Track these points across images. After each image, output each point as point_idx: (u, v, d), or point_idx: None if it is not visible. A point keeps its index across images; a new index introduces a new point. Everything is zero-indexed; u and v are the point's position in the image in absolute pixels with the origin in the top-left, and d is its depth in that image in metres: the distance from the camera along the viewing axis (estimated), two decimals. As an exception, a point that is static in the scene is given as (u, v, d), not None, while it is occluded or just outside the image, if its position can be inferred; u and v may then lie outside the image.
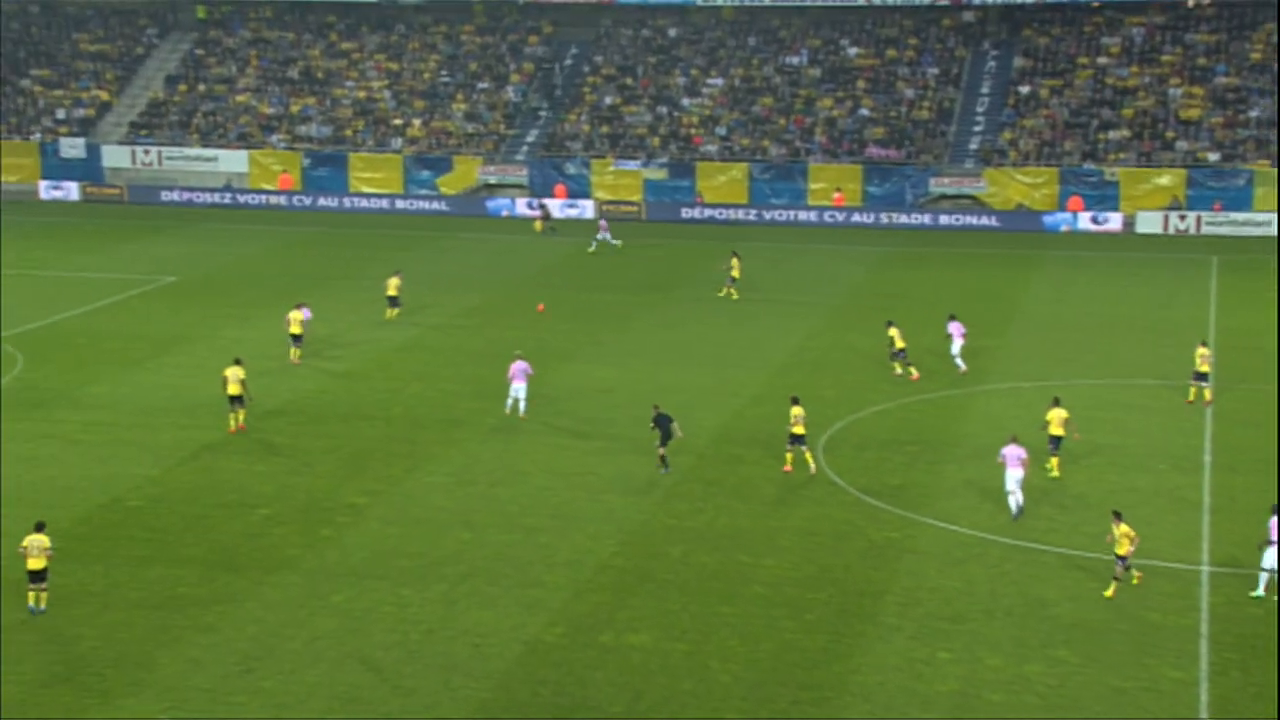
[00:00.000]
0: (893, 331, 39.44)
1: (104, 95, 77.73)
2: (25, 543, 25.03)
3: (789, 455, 32.10)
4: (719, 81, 75.15)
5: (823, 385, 39.19)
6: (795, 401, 32.27)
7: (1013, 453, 29.20)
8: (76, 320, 46.34)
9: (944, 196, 68.06)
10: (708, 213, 68.48)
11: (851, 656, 23.65)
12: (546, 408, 36.92)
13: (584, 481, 31.70)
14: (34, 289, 50.86)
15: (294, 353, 40.90)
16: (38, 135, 75.12)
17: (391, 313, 46.37)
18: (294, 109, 76.20)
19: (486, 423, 35.73)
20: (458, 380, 39.56)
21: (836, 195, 68.64)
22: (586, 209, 69.37)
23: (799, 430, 31.66)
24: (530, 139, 73.92)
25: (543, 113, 74.65)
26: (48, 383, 38.62)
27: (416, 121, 74.80)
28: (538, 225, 64.56)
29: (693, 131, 72.61)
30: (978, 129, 70.60)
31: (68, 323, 45.77)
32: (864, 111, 71.94)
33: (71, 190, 72.31)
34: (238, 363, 35.36)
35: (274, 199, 71.31)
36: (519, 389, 35.47)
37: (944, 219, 66.47)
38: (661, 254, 59.54)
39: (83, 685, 22.40)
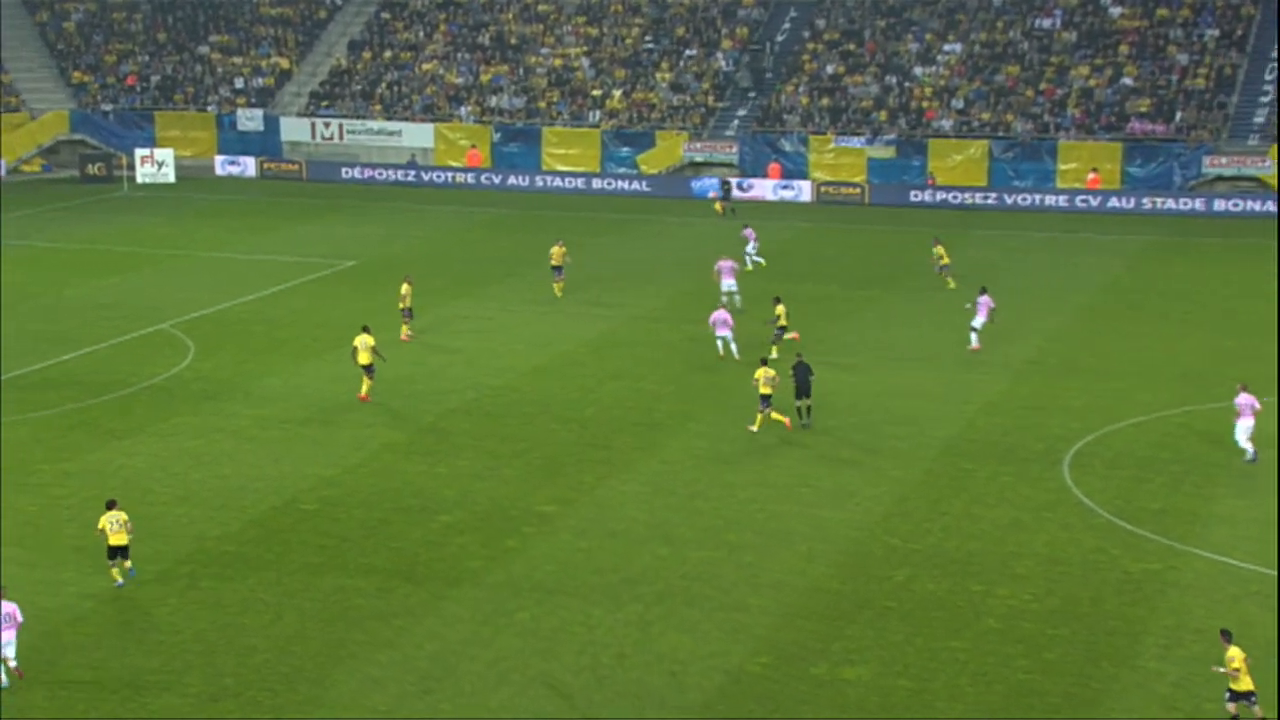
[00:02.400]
0: (779, 309, 41.42)
1: (284, 63, 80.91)
2: (102, 523, 26.79)
3: (759, 416, 35.00)
4: (957, 47, 73.94)
5: (1069, 393, 38.27)
6: (764, 363, 36.06)
7: (1245, 401, 32.43)
8: (250, 306, 48.37)
9: (1220, 178, 65.59)
10: (940, 196, 67.50)
11: (1099, 704, 23.03)
12: (754, 413, 36.92)
13: (796, 494, 31.64)
14: (206, 272, 53.31)
15: (404, 329, 42.90)
16: (214, 106, 78.66)
17: (558, 285, 48.84)
18: (484, 78, 77.98)
19: (689, 427, 35.97)
20: (657, 379, 39.93)
21: (1091, 177, 66.81)
22: (803, 191, 69.17)
23: (766, 390, 34.89)
24: (742, 112, 74.04)
25: (751, 90, 74.61)
26: (219, 374, 40.42)
27: (616, 93, 75.71)
28: (718, 206, 64.43)
29: (925, 104, 71.63)
30: (1265, 100, 67.76)
31: (241, 309, 47.80)
32: (1126, 81, 69.82)
33: (248, 166, 75.49)
34: (366, 330, 37.17)
35: (461, 177, 73.13)
36: (725, 335, 40.47)
37: (1220, 204, 64.08)
38: (886, 242, 58.95)
39: (252, 701, 23.37)
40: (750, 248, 53.82)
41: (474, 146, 74.86)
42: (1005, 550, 28.73)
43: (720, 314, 41.27)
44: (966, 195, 67.30)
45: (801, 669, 24.24)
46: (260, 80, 79.96)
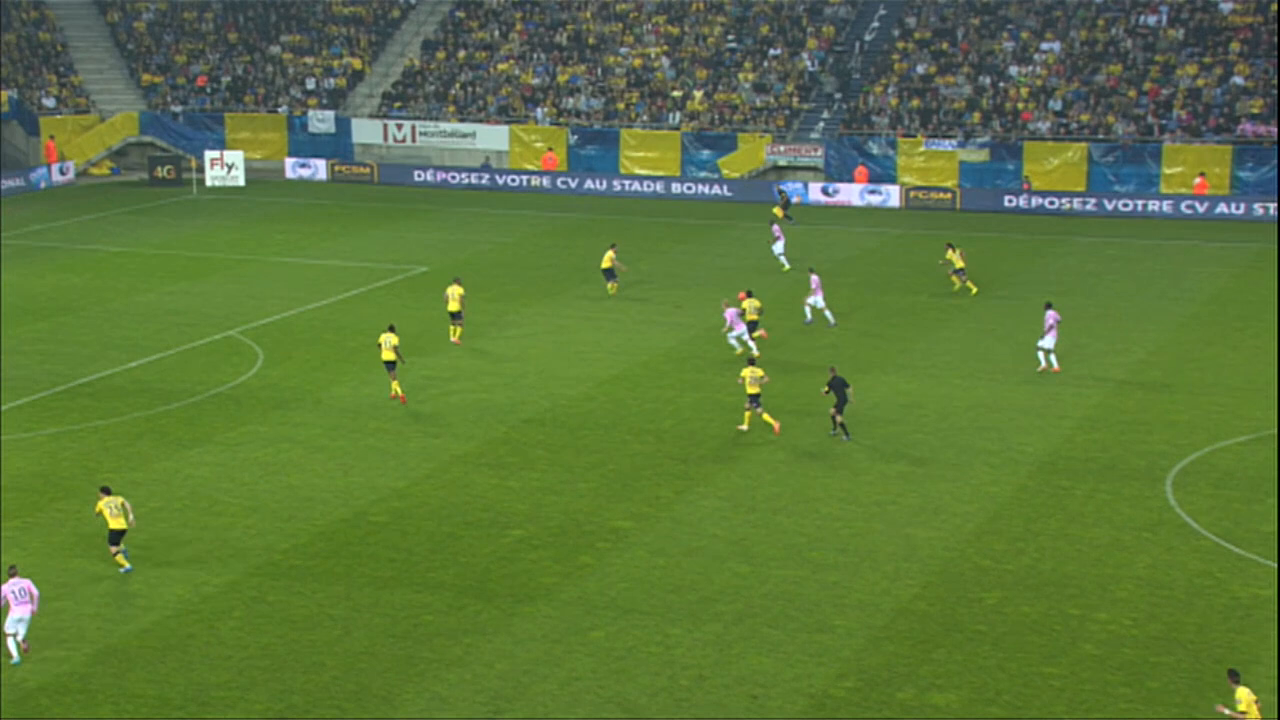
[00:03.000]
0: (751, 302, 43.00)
1: (356, 63, 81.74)
2: (100, 506, 28.21)
3: (747, 415, 35.89)
4: (1055, 46, 73.23)
5: (1173, 408, 37.72)
6: (751, 363, 36.73)
7: None
8: (320, 313, 48.83)
9: (1335, 183, 64.40)
10: (1036, 201, 66.83)
11: (1205, 739, 22.64)
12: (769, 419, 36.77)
13: (883, 511, 31.43)
14: (276, 277, 53.91)
15: (454, 331, 43.76)
16: (285, 108, 79.58)
17: (612, 286, 50.29)
18: (561, 79, 78.32)
19: (769, 440, 35.85)
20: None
21: (1198, 181, 65.84)
22: (891, 196, 68.77)
23: (753, 390, 35.67)
24: (827, 114, 73.81)
25: (836, 93, 74.33)
26: (288, 381, 40.84)
27: (698, 93, 75.74)
28: (777, 212, 64.54)
29: (1021, 106, 70.99)
30: (1386, 100, 66.56)
31: (310, 316, 48.28)
32: (1237, 80, 68.75)
33: (319, 169, 76.29)
34: (391, 330, 38.91)
35: (536, 180, 73.46)
36: (741, 332, 41.42)
37: (1334, 210, 62.89)
38: (978, 249, 58.44)
39: (320, 719, 23.57)
40: (777, 247, 54.67)
41: (550, 149, 75.17)
42: (1104, 572, 28.35)
43: (733, 310, 42.17)
44: (1064, 201, 66.57)
45: (888, 694, 24.05)
46: (332, 81, 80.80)
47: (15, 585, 25.32)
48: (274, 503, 31.92)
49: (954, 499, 32.08)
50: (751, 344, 42.31)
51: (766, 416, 36.09)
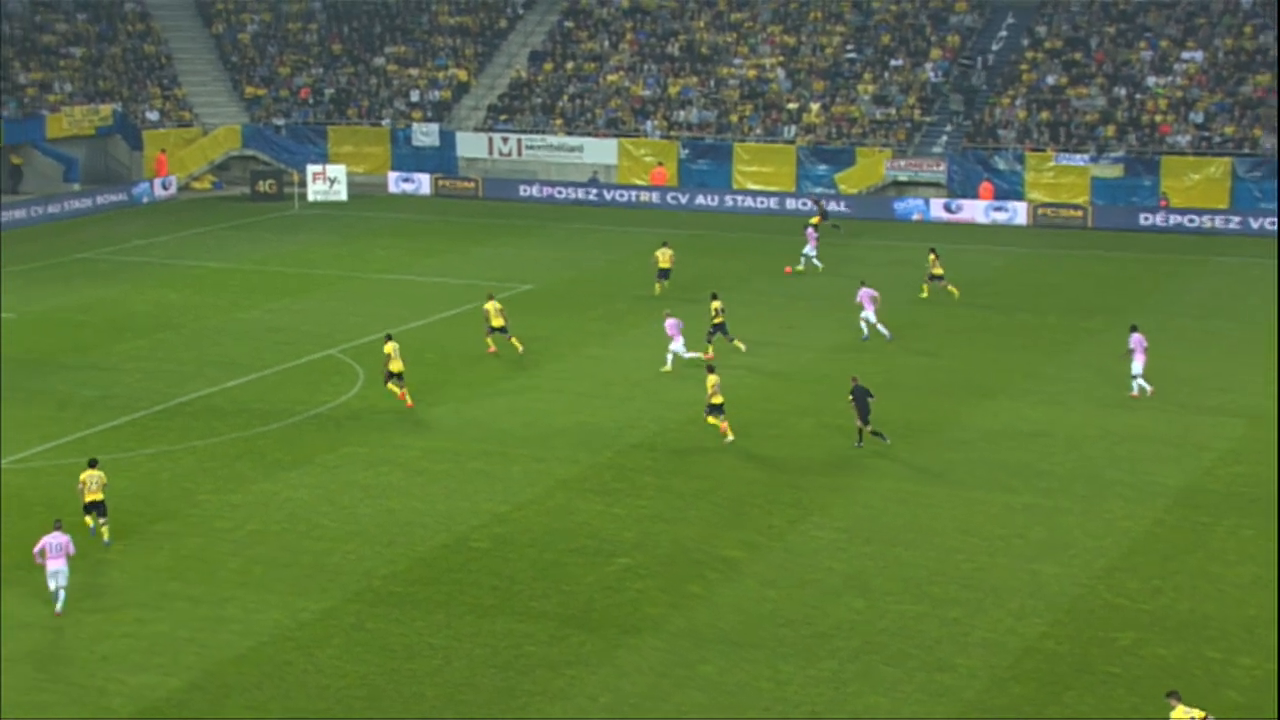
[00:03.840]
0: (715, 304, 45.28)
1: (462, 75, 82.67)
2: (83, 477, 31.23)
3: (723, 426, 37.21)
4: (1197, 55, 72.11)
5: (1324, 441, 36.88)
6: (711, 370, 37.89)
7: None
8: (422, 332, 49.36)
9: None
10: (1174, 219, 65.79)
11: (1356, 794, 22.03)
12: (962, 453, 36.40)
13: (1007, 545, 31.06)
14: (378, 295, 54.59)
15: (489, 342, 45.43)
16: (389, 121, 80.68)
17: (660, 285, 53.03)
18: (672, 90, 78.59)
19: (887, 469, 35.62)
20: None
21: (1349, 198, 64.44)
22: (1018, 213, 68.09)
23: (717, 400, 37.08)
24: (950, 128, 73.29)
25: (960, 107, 73.78)
26: (389, 402, 41.26)
27: (814, 106, 75.61)
28: (814, 221, 64.44)
29: (1159, 118, 69.95)
30: None
31: (412, 334, 48.78)
32: (1391, 90, 67.25)
33: (423, 183, 77.21)
34: (389, 338, 40.70)
35: (645, 195, 73.72)
36: (679, 345, 42.66)
37: None
38: (1111, 269, 57.68)
39: (418, 747, 23.78)
40: (809, 249, 57.20)
41: (660, 163, 75.42)
42: (1247, 614, 27.76)
43: (673, 321, 43.32)
44: (1205, 219, 65.44)
45: (1012, 738, 23.74)
46: (436, 93, 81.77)
47: (53, 539, 28.02)
48: (374, 527, 32.28)
49: (1084, 533, 31.62)
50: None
51: (714, 420, 37.31)
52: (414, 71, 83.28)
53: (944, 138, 72.97)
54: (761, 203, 72.20)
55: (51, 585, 27.95)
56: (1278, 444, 36.59)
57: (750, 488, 34.55)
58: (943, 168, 70.92)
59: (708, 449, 37.23)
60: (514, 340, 45.21)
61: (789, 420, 39.43)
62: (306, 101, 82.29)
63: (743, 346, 45.07)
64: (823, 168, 73.20)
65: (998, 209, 68.54)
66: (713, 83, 78.68)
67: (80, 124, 76.04)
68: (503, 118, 79.65)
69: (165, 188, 75.72)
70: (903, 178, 71.62)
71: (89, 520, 31.31)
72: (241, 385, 42.94)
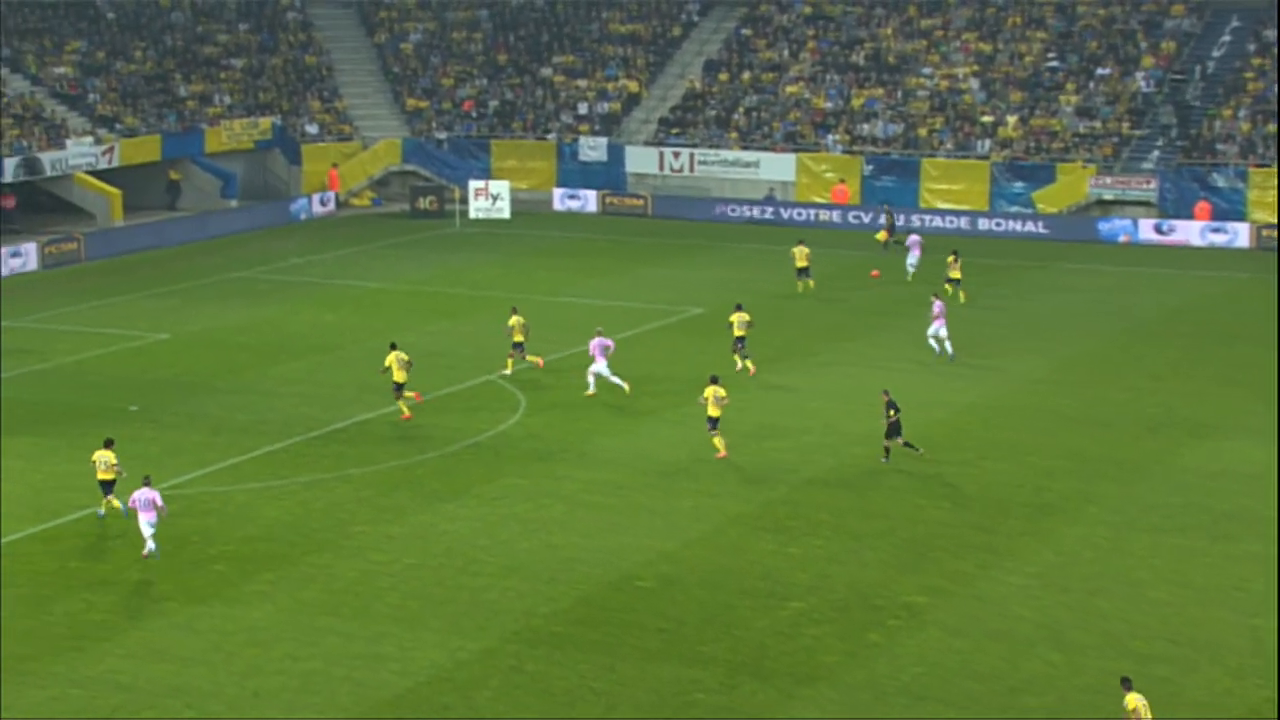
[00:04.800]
0: (734, 317, 46.45)
1: (632, 86, 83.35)
2: (95, 457, 34.76)
3: (715, 440, 38.74)
4: None
5: None
6: (714, 381, 39.03)
7: None
8: (586, 357, 49.72)
9: None
10: None
11: None
12: (1175, 496, 35.64)
13: (1225, 597, 30.34)
14: (541, 317, 55.05)
15: (509, 362, 46.58)
16: (555, 134, 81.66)
17: (801, 284, 56.34)
18: (856, 102, 78.35)
19: (1087, 511, 35.04)
20: (1050, 453, 39.04)
21: None
22: (1239, 235, 66.57)
23: (715, 412, 38.45)
24: (1162, 142, 71.90)
25: (1173, 122, 72.34)
26: (551, 431, 41.73)
27: (1011, 119, 74.78)
28: (881, 236, 65.60)
29: (1394, 129, 67.88)
30: None
31: (576, 360, 49.16)
32: None
33: (589, 200, 77.94)
34: (394, 347, 42.47)
35: (825, 214, 73.57)
36: (599, 367, 43.26)
37: None
38: (1341, 296, 56.02)
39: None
40: (912, 258, 59.60)
41: (842, 180, 75.20)
42: None
43: (599, 341, 44.12)
44: None
45: (1224, 810, 23.16)
46: (605, 105, 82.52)
47: (142, 495, 32.66)
48: (534, 563, 32.63)
49: (1307, 586, 30.76)
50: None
51: (717, 440, 38.74)
52: (582, 82, 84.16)
53: (1155, 153, 71.58)
54: (951, 222, 71.58)
55: (148, 533, 32.62)
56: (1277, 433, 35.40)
57: (934, 528, 34.23)
58: (1154, 185, 69.56)
59: (890, 486, 36.98)
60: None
61: (979, 457, 38.97)
62: (470, 114, 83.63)
63: (751, 369, 46.15)
64: (1019, 185, 72.35)
65: (1215, 230, 67.01)
66: (900, 94, 78.25)
67: (239, 137, 78.31)
68: (674, 131, 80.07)
69: (324, 204, 77.55)
70: (1108, 196, 70.41)
71: (113, 501, 34.61)
72: (399, 411, 43.71)
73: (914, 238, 61.28)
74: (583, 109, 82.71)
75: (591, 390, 44.29)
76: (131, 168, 73.94)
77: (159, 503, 32.65)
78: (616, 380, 44.06)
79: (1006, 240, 69.25)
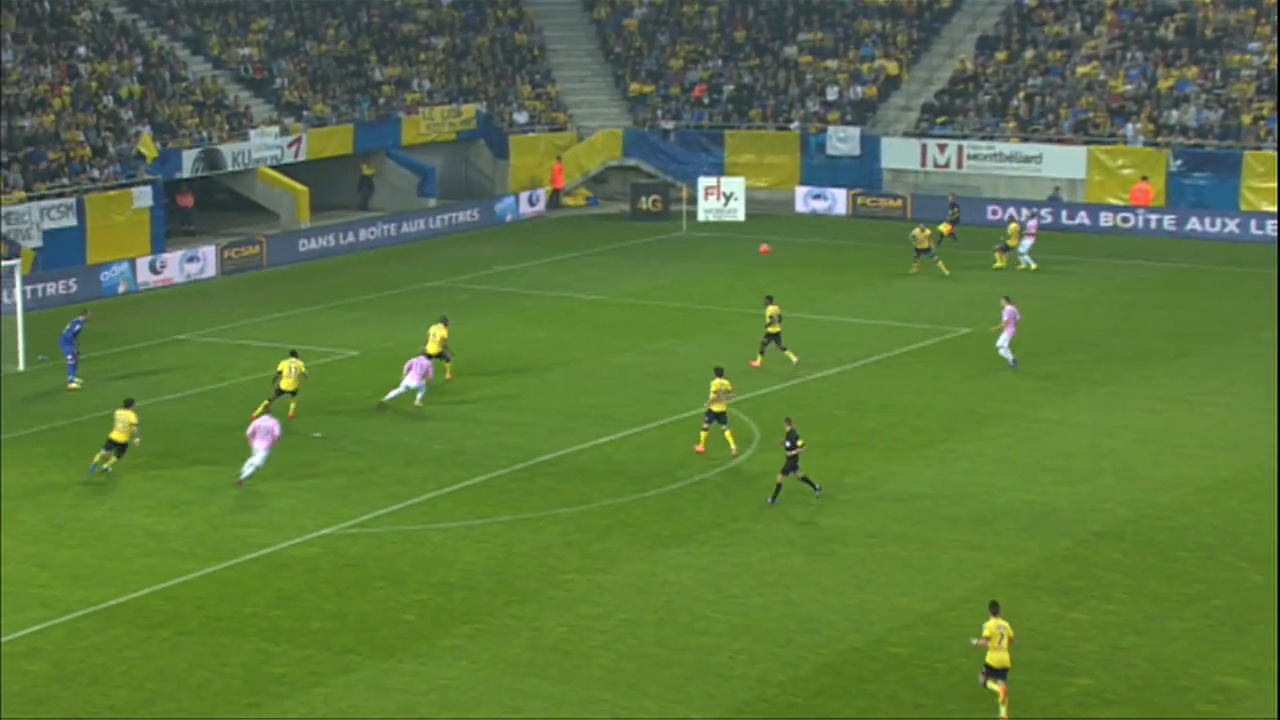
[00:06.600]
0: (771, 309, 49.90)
1: (891, 67, 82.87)
2: (117, 414, 39.91)
3: (703, 434, 41.84)
4: None
5: None
6: (719, 373, 42.15)
7: None
8: (831, 383, 49.56)
9: None
10: None
11: None
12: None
13: None
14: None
15: (448, 367, 49.27)
16: (799, 124, 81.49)
17: (917, 265, 60.30)
18: (1163, 85, 76.81)
19: None
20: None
21: None
22: None
23: (719, 407, 41.61)
24: None
25: None
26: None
27: (1356, 103, 72.56)
28: (945, 228, 67.73)
29: None
30: None
31: (819, 386, 49.01)
32: None
33: (837, 200, 77.63)
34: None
35: (1122, 218, 72.29)
36: (412, 381, 45.94)
37: None
38: None
39: None
40: (1025, 245, 63.64)
41: (1143, 177, 73.75)
42: None
43: (419, 361, 46.40)
44: None
45: None
46: (859, 90, 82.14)
47: (263, 423, 39.24)
48: (768, 622, 32.47)
49: None
50: (791, 356, 49.72)
51: (728, 435, 41.78)
52: (832, 63, 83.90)
53: None
54: (1273, 229, 69.53)
55: (251, 462, 38.99)
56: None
57: (1255, 596, 33.35)
58: None
59: (1199, 544, 36.10)
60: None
61: (1306, 510, 37.86)
62: (701, 101, 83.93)
63: (794, 358, 49.82)
64: (1364, 184, 70.13)
65: None
66: (1218, 74, 76.48)
67: (439, 127, 79.74)
68: (940, 120, 79.41)
69: (533, 204, 78.54)
70: None
71: (100, 458, 39.94)
72: (614, 442, 43.95)
73: (1033, 222, 65.00)
74: (832, 94, 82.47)
75: (388, 398, 46.51)
76: (319, 161, 75.79)
77: (276, 433, 39.24)
78: (398, 392, 46.41)
79: (1344, 250, 67.07)
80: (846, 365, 51.38)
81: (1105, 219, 72.57)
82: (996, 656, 28.27)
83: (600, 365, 52.14)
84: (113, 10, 76.35)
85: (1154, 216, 71.79)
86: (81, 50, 72.56)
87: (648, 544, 36.72)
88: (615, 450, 43.39)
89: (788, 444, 38.48)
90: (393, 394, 46.46)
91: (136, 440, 40.15)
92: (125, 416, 39.98)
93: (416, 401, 46.26)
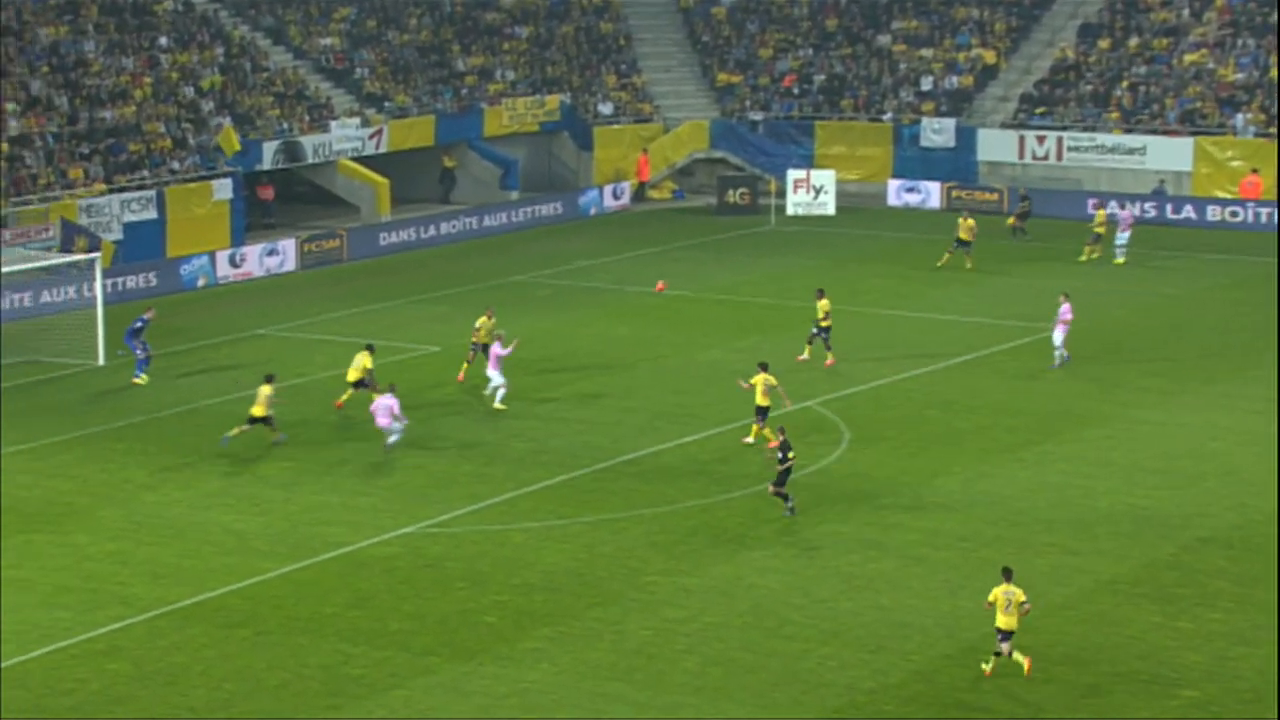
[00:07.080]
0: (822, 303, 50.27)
1: (988, 56, 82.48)
2: (259, 390, 42.55)
3: (754, 428, 42.74)
4: None
5: None
6: (763, 368, 42.94)
7: None
8: (923, 382, 49.36)
9: None
10: None
11: None
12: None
13: None
14: (869, 334, 54.89)
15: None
16: (892, 115, 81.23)
17: (949, 256, 60.33)
18: (1275, 73, 76.00)
19: None
20: None
21: None
22: None
23: (764, 402, 42.24)
24: None
25: None
26: (879, 470, 41.46)
27: None
28: (1010, 221, 68.43)
29: None
30: None
31: (910, 385, 48.86)
32: None
33: (931, 194, 77.36)
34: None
35: (1231, 212, 71.75)
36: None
37: None
38: None
39: None
40: (1122, 238, 63.93)
41: (1255, 171, 73.04)
42: None
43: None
44: None
45: None
46: (954, 79, 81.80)
47: (383, 401, 42.18)
48: (858, 627, 32.44)
49: None
50: (828, 351, 50.14)
51: (767, 432, 41.60)
52: (927, 52, 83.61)
53: None
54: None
55: (388, 441, 42.12)
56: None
57: (1362, 604, 32.98)
58: None
59: (1304, 549, 35.77)
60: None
61: None
62: (790, 91, 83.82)
63: (830, 360, 50.13)
64: None
65: None
66: (1337, 61, 75.62)
67: (522, 118, 79.97)
68: (1039, 111, 78.98)
69: (617, 197, 78.67)
70: None
71: (238, 431, 42.41)
72: (699, 441, 43.98)
73: (1125, 214, 64.82)
74: (926, 84, 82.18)
75: (498, 405, 46.63)
76: (401, 153, 76.21)
77: (396, 411, 41.91)
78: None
79: None
80: (942, 363, 51.23)
81: (1213, 213, 71.99)
82: (1005, 619, 29.80)
83: (686, 362, 52.18)
84: (194, 0, 77.02)
85: (1264, 210, 71.08)
86: (163, 41, 73.37)
87: (733, 545, 36.76)
88: (700, 450, 43.44)
89: (779, 455, 38.15)
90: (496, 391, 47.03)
91: (273, 412, 42.87)
92: (264, 391, 42.69)
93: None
